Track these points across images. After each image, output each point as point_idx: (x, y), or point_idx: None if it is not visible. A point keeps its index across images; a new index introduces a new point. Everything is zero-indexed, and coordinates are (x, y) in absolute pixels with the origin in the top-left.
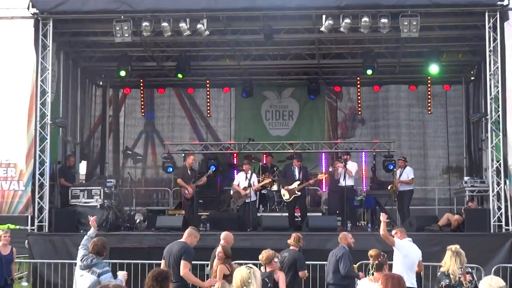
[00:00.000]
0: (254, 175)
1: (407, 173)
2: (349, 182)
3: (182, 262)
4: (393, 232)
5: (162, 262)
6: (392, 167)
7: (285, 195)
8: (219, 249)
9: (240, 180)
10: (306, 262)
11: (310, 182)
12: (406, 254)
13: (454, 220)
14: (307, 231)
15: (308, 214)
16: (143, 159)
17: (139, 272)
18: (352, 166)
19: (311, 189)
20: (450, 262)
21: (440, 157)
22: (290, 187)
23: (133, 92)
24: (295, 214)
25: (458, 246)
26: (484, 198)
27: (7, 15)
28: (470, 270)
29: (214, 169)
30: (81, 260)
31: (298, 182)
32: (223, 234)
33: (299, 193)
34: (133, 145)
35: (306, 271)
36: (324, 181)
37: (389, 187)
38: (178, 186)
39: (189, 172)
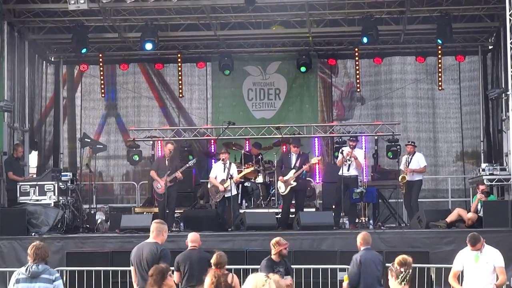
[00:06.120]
0: (233, 165)
1: (418, 160)
2: (354, 171)
3: None
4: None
5: (132, 269)
6: (392, 155)
7: (281, 188)
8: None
9: (218, 171)
10: (297, 266)
11: (304, 168)
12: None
13: (468, 219)
14: (298, 230)
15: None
16: (105, 148)
17: (101, 280)
18: (359, 154)
19: None
20: None
21: (453, 141)
22: (286, 177)
23: (90, 69)
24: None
25: None
26: (505, 188)
27: None
28: None
29: (194, 160)
30: (25, 271)
31: (293, 171)
32: (192, 236)
33: (295, 183)
34: (95, 133)
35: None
36: (318, 170)
37: (400, 178)
38: (146, 180)
39: (166, 162)
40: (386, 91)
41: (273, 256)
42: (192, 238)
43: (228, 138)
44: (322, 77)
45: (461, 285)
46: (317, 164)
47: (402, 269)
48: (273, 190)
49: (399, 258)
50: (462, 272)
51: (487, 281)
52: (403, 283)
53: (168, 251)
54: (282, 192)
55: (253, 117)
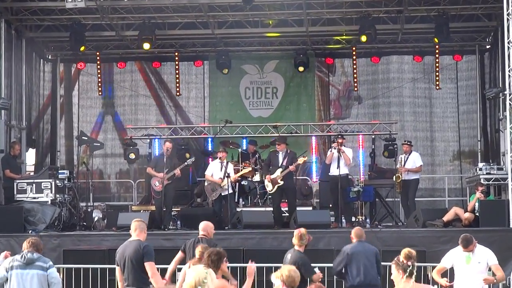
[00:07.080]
0: (230, 164)
1: (414, 160)
2: (344, 170)
3: (149, 264)
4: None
5: (117, 269)
6: (388, 154)
7: (268, 186)
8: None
9: (214, 169)
10: None
11: (291, 168)
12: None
13: (464, 219)
14: (295, 228)
15: (297, 208)
16: (102, 146)
17: (98, 278)
18: (348, 152)
19: (299, 179)
20: None
21: (450, 141)
22: (273, 176)
23: (88, 67)
24: (282, 209)
25: None
26: (502, 188)
27: None
28: None
29: (192, 158)
30: (20, 258)
31: (280, 170)
32: (203, 225)
33: (282, 182)
34: (92, 131)
35: (318, 273)
36: (314, 169)
37: (394, 178)
38: (143, 178)
39: (164, 160)
40: (383, 90)
41: (300, 248)
42: (203, 227)
43: (225, 136)
44: (319, 76)
45: (454, 285)
46: (314, 163)
47: (409, 263)
48: (263, 189)
49: (404, 251)
50: (448, 270)
51: (479, 282)
52: (409, 276)
53: (151, 247)
54: (269, 191)
55: (250, 116)
